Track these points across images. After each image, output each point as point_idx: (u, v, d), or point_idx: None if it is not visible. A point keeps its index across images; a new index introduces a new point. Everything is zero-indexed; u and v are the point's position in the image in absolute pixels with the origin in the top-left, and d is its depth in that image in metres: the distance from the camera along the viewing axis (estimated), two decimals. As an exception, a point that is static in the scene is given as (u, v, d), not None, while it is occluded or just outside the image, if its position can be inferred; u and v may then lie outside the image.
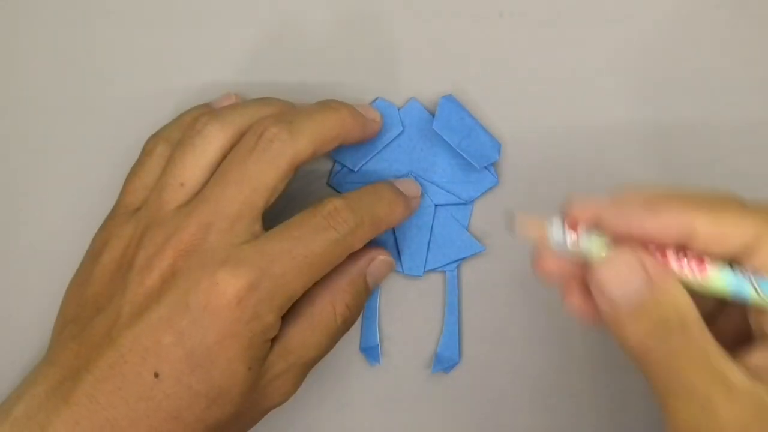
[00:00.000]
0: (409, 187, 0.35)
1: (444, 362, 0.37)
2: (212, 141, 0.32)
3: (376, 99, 0.37)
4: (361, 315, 0.37)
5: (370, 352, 0.37)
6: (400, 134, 0.37)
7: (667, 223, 0.26)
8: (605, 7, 0.38)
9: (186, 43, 0.37)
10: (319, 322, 0.32)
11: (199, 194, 0.31)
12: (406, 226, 0.37)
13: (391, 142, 0.37)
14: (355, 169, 0.37)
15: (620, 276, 0.26)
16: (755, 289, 0.25)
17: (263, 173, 0.30)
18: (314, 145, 0.32)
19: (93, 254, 0.32)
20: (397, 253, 0.37)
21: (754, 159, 0.37)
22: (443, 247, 0.37)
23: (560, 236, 0.26)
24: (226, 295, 0.28)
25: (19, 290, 0.36)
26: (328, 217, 0.31)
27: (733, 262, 0.26)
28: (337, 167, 0.37)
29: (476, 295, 0.37)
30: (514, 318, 0.36)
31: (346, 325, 0.33)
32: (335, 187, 0.37)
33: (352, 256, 0.33)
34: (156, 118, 0.35)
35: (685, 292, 0.26)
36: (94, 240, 0.33)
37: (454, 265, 0.37)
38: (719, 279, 0.25)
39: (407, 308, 0.37)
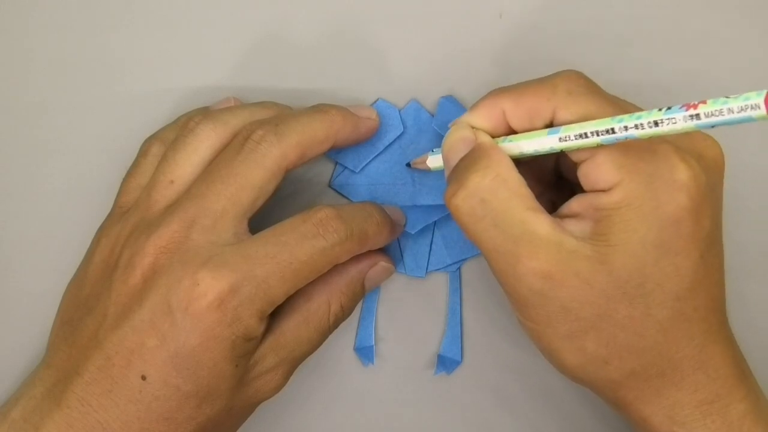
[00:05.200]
0: (395, 214, 0.35)
1: (446, 364, 0.37)
2: (204, 140, 0.32)
3: (377, 100, 0.37)
4: (358, 315, 0.37)
5: (365, 352, 0.37)
6: (401, 135, 0.37)
7: (485, 115, 0.31)
8: (604, 8, 0.37)
9: (188, 45, 0.37)
10: (313, 319, 0.32)
11: (185, 192, 0.31)
12: (408, 227, 0.37)
13: (392, 143, 0.37)
14: (357, 171, 0.37)
15: (451, 136, 0.31)
16: (561, 140, 0.28)
17: (250, 172, 0.31)
18: (301, 147, 0.32)
19: (87, 256, 0.33)
20: (400, 254, 0.37)
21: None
22: (445, 248, 0.37)
23: (433, 162, 0.35)
24: (206, 297, 0.29)
25: (19, 290, 0.37)
26: (318, 224, 0.31)
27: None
28: (339, 169, 0.37)
29: (477, 295, 0.37)
30: (516, 318, 0.36)
31: (336, 325, 0.33)
32: (337, 188, 0.37)
33: (354, 256, 0.33)
34: (155, 119, 0.36)
35: (507, 158, 0.29)
36: (91, 242, 0.33)
37: (456, 266, 0.37)
38: (532, 143, 0.29)
39: (409, 309, 0.38)
